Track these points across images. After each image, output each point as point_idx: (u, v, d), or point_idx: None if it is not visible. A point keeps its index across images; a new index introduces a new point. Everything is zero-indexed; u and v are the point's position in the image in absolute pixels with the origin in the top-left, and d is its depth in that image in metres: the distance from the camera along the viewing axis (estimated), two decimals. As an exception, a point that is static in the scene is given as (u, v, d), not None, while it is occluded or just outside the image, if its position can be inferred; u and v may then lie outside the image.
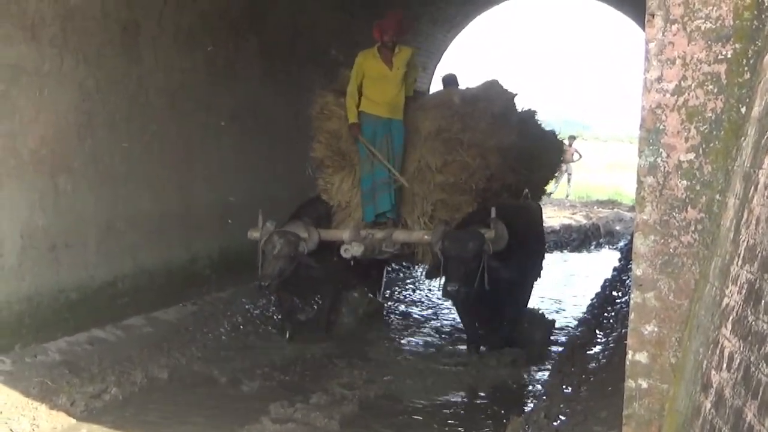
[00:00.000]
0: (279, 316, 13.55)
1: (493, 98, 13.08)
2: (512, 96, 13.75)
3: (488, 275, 11.01)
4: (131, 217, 12.39)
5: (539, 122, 15.28)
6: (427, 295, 16.72)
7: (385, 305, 15.51)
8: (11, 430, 8.62)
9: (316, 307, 13.43)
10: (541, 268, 14.05)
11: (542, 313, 14.11)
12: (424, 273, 13.15)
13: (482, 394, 11.06)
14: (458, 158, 12.32)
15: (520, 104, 14.41)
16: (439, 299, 15.81)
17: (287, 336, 12.68)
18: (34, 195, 10.76)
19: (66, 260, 11.19)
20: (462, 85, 14.69)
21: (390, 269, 16.07)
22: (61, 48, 11.03)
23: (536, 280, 13.76)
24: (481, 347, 12.32)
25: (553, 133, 16.31)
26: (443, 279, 11.25)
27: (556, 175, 16.90)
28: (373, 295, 14.68)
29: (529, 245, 12.68)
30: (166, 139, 13.07)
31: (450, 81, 15.34)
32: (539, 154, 14.74)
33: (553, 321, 14.06)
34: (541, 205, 15.74)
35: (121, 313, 12.00)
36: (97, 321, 11.54)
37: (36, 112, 10.74)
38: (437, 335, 13.90)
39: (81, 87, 11.43)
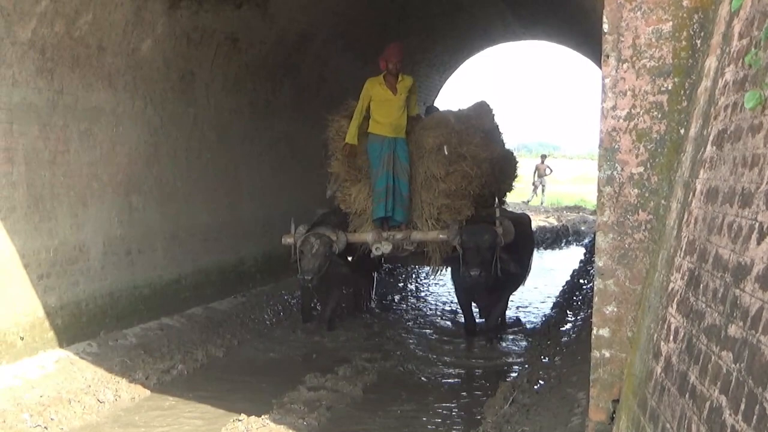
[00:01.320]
0: (318, 310, 12.81)
1: (482, 116, 12.96)
2: (493, 114, 13.51)
3: (500, 265, 11.00)
4: (191, 228, 12.41)
5: (503, 141, 14.66)
6: (427, 292, 16.40)
7: (391, 300, 15.22)
8: (98, 399, 8.63)
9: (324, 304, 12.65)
10: (530, 270, 13.63)
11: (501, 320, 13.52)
12: (434, 266, 12.78)
13: (478, 368, 11.02)
14: (459, 168, 11.98)
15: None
16: (444, 293, 15.73)
17: (328, 327, 12.18)
18: (112, 211, 10.79)
19: (139, 263, 11.21)
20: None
21: (380, 274, 15.18)
22: (132, 93, 11.06)
23: (528, 274, 13.44)
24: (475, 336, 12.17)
25: (511, 152, 15.51)
26: (463, 267, 11.06)
27: (513, 187, 16.19)
28: (367, 294, 14.17)
29: (525, 246, 12.67)
30: (217, 165, 13.09)
31: (431, 110, 15.00)
32: (506, 166, 14.27)
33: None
34: (530, 218, 15.16)
35: (184, 304, 12.01)
36: (166, 311, 11.55)
37: (113, 145, 10.77)
38: (440, 323, 13.74)
39: (148, 124, 11.46)
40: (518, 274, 11.79)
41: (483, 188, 12.27)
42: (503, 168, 13.58)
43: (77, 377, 9.17)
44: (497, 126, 13.54)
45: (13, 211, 9.13)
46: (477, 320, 12.63)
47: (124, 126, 10.97)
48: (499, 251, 11.08)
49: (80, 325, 10.09)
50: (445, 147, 12.04)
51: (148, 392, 9.09)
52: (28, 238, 9.33)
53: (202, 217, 12.73)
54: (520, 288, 13.34)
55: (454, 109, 13.33)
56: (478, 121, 12.64)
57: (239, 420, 8.03)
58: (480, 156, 12.09)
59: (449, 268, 12.80)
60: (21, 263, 9.23)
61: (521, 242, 11.96)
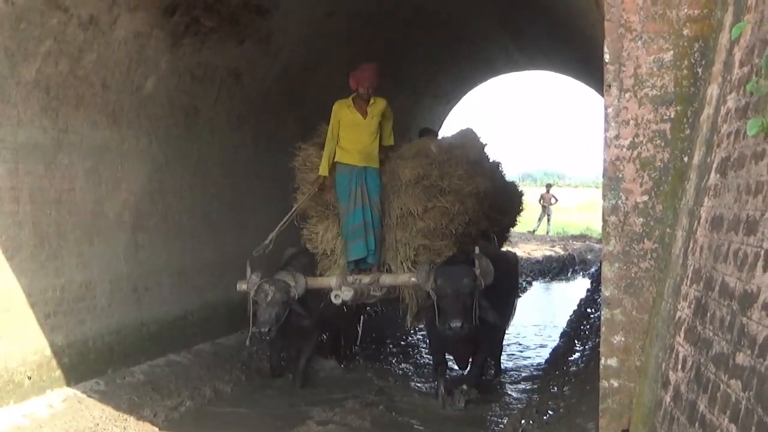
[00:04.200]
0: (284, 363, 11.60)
1: (467, 146, 11.45)
2: (484, 145, 12.12)
3: (479, 312, 9.57)
4: (197, 264, 12.40)
5: (503, 173, 13.70)
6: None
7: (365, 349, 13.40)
8: (106, 438, 8.63)
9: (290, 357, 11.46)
10: (514, 313, 12.61)
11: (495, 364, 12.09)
12: (409, 319, 11.02)
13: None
14: (438, 204, 10.72)
15: (490, 155, 12.80)
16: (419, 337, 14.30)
17: (299, 384, 10.93)
18: (118, 249, 10.79)
19: (146, 300, 11.20)
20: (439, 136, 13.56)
21: (365, 316, 13.58)
22: (137, 130, 11.10)
23: (511, 321, 12.37)
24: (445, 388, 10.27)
25: (514, 184, 14.87)
26: (439, 318, 9.46)
27: (517, 222, 14.89)
28: (352, 342, 12.97)
29: (507, 292, 11.28)
30: (223, 201, 13.10)
31: (426, 132, 14.03)
32: (505, 201, 13.30)
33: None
34: (516, 256, 14.08)
35: (191, 340, 11.97)
36: (173, 347, 11.51)
37: (118, 182, 10.79)
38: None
39: (153, 161, 11.49)
40: (496, 324, 10.14)
41: (468, 226, 11.08)
42: (500, 203, 12.58)
43: (85, 416, 9.14)
44: (486, 157, 12.35)
45: (19, 251, 9.15)
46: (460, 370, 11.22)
47: (129, 163, 11.00)
48: (477, 296, 9.61)
49: (88, 363, 10.07)
50: (432, 146, 11.11)
51: (156, 429, 9.05)
52: (34, 277, 9.34)
53: (208, 253, 12.73)
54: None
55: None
56: (463, 152, 11.22)
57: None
58: (464, 190, 10.85)
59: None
60: (28, 302, 9.24)
61: (504, 284, 10.55)
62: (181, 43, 11.25)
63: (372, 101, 10.78)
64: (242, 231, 13.59)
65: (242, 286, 10.54)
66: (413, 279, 10.24)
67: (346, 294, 10.27)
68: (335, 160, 10.79)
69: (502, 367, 12.31)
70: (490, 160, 12.69)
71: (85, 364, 10.01)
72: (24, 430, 8.45)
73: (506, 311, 11.29)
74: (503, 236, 14.40)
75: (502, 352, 12.34)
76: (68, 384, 9.72)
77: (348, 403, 10.04)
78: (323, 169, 10.82)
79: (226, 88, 12.77)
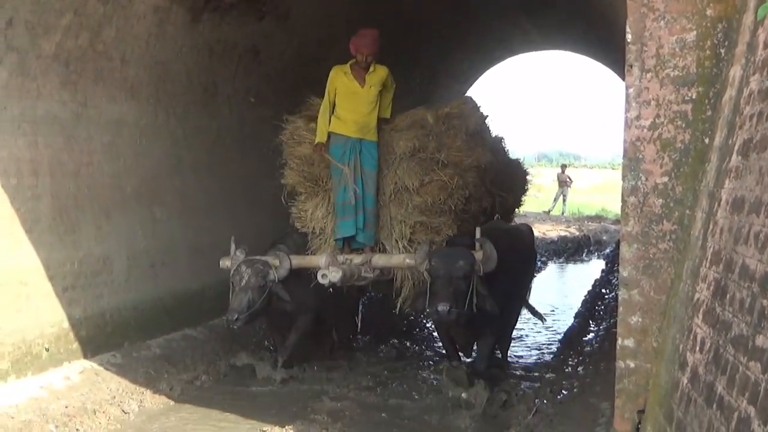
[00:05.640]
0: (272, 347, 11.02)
1: (467, 115, 10.52)
2: (485, 115, 11.29)
3: (476, 300, 8.82)
4: (213, 239, 12.39)
5: (506, 148, 12.91)
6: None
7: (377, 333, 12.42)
8: (123, 410, 8.67)
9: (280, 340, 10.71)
10: (530, 290, 11.74)
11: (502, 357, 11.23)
12: (400, 302, 10.15)
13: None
14: (436, 178, 9.99)
15: (492, 128, 12.02)
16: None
17: (278, 367, 10.14)
18: (136, 223, 10.83)
19: (163, 275, 11.23)
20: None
21: (365, 300, 12.47)
22: (156, 105, 11.12)
23: (522, 305, 11.40)
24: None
25: (518, 162, 14.10)
26: (429, 300, 8.82)
27: (522, 202, 14.01)
28: (352, 327, 11.84)
29: (516, 270, 10.19)
30: (239, 177, 13.08)
31: None
32: (508, 178, 12.45)
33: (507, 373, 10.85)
34: (532, 230, 12.82)
35: (207, 315, 11.97)
36: (189, 322, 11.53)
37: (135, 157, 10.82)
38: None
39: (172, 136, 11.52)
40: (495, 313, 9.08)
41: (469, 203, 10.37)
42: (503, 180, 11.86)
43: (102, 388, 9.20)
44: (488, 128, 11.46)
45: (38, 223, 9.18)
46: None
47: (147, 138, 11.02)
48: (475, 281, 8.88)
49: (105, 336, 10.12)
50: (428, 115, 10.28)
51: (172, 403, 9.12)
52: (52, 250, 9.38)
53: (224, 230, 12.69)
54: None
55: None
56: (461, 121, 10.37)
57: (263, 431, 8.05)
58: (463, 163, 10.14)
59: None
60: (46, 275, 9.28)
61: (517, 262, 9.83)
62: (200, 19, 11.24)
63: (372, 69, 10.07)
64: (258, 206, 13.57)
65: (225, 263, 9.99)
66: (408, 260, 9.59)
67: (333, 275, 9.46)
68: (330, 129, 10.09)
69: (512, 356, 11.83)
70: (493, 134, 11.96)
71: (102, 337, 10.06)
72: (41, 402, 8.51)
73: (514, 291, 10.30)
74: (508, 216, 13.52)
75: (510, 345, 11.56)
76: (85, 356, 9.77)
77: (362, 381, 10.06)
78: (321, 135, 10.09)
79: (244, 65, 12.75)
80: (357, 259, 9.87)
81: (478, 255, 9.05)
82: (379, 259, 9.92)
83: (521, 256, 10.61)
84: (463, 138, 10.23)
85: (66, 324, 9.55)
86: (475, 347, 10.40)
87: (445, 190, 10.02)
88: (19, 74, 8.79)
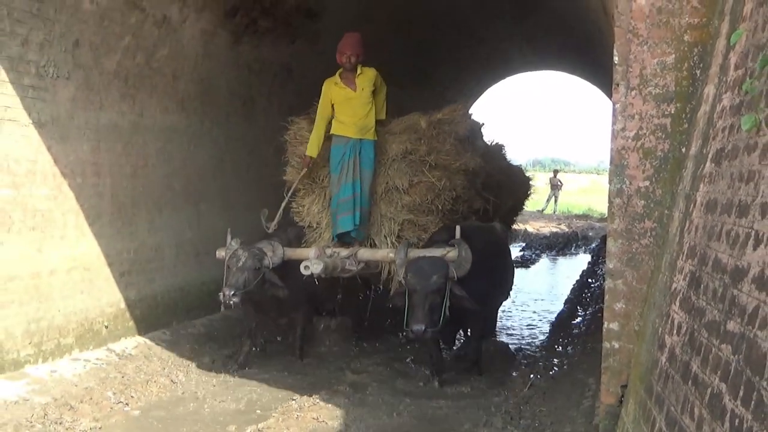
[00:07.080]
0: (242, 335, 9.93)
1: (457, 121, 10.03)
2: (478, 123, 10.95)
3: (451, 302, 8.10)
4: (251, 231, 12.41)
5: (507, 157, 12.48)
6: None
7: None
8: (171, 380, 8.69)
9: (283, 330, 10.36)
10: (510, 289, 10.84)
11: (506, 344, 11.11)
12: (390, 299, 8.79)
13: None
14: (424, 179, 9.51)
15: (491, 138, 12.01)
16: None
17: (239, 360, 9.43)
18: (183, 217, 10.87)
19: (206, 262, 11.18)
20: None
21: (373, 293, 11.08)
22: (201, 115, 11.14)
23: (502, 302, 10.92)
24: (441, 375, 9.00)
25: (521, 169, 13.61)
26: (407, 314, 8.00)
27: (524, 206, 13.44)
28: (359, 317, 10.93)
29: (493, 268, 9.38)
30: (273, 178, 13.08)
31: None
32: (506, 183, 11.91)
33: (515, 355, 10.61)
34: (505, 229, 11.95)
35: (245, 298, 11.99)
36: (229, 304, 11.54)
37: (184, 160, 10.85)
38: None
39: (215, 142, 11.54)
40: (475, 310, 8.43)
41: (457, 203, 9.81)
42: (501, 184, 11.38)
43: (153, 360, 9.24)
44: (480, 135, 11.04)
45: (100, 218, 9.23)
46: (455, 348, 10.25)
47: (194, 144, 11.05)
48: (449, 286, 8.14)
49: (156, 315, 10.16)
50: (422, 120, 9.77)
51: (213, 373, 9.13)
52: (112, 240, 9.43)
53: (258, 222, 12.72)
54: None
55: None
56: (452, 127, 9.92)
57: (293, 399, 8.05)
58: (452, 166, 9.65)
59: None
60: (106, 262, 9.34)
61: (485, 263, 8.80)
62: (240, 41, 11.26)
63: (359, 71, 9.43)
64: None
65: (221, 253, 9.24)
66: (391, 255, 9.00)
67: (315, 266, 8.76)
68: (331, 132, 9.50)
69: (509, 334, 11.80)
70: (488, 141, 11.63)
71: (153, 316, 10.11)
72: (101, 372, 8.55)
73: (491, 289, 9.52)
74: (510, 218, 13.10)
75: (493, 333, 11.08)
76: (139, 333, 9.82)
77: (380, 359, 10.03)
78: (311, 149, 9.52)
79: (279, 81, 12.77)
80: (344, 252, 9.28)
81: (453, 254, 8.39)
82: (365, 253, 9.37)
83: (494, 250, 9.81)
84: (452, 142, 9.76)
85: (123, 305, 9.60)
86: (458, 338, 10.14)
87: (432, 191, 9.55)
88: (85, 88, 8.83)
